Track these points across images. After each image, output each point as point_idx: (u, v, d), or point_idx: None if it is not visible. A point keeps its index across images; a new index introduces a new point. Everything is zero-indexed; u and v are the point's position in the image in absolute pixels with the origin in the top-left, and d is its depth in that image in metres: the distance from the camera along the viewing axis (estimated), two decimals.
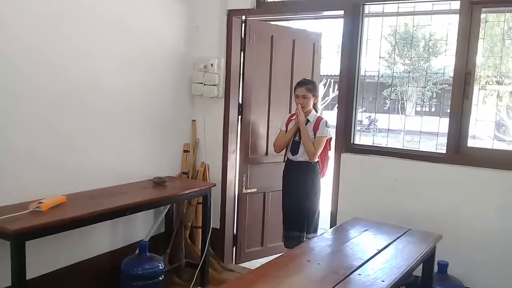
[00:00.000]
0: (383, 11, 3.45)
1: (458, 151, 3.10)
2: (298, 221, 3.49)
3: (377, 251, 2.26)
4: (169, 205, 3.67)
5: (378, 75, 3.56)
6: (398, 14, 3.50)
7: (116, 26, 3.23)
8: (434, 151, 3.25)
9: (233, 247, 4.10)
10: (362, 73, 3.48)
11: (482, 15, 3.02)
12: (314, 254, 2.21)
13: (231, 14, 3.84)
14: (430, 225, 2.93)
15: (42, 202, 2.54)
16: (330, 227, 3.49)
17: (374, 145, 3.48)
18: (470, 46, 3.02)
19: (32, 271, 2.62)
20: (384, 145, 3.46)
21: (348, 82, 3.46)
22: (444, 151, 3.15)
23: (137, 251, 3.22)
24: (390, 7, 3.46)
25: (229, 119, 3.92)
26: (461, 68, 3.05)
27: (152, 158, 3.65)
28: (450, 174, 3.05)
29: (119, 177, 3.35)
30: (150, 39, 3.55)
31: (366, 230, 2.63)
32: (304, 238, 3.47)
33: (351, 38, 3.43)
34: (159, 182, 3.43)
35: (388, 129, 3.49)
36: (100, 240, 3.29)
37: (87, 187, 3.08)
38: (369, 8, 3.44)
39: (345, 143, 3.49)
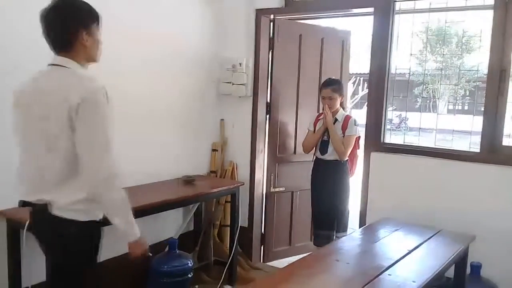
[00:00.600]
0: (414, 7, 3.38)
1: (493, 150, 3.01)
2: (327, 220, 3.47)
3: (407, 251, 2.23)
4: (198, 204, 3.72)
5: (409, 73, 3.50)
6: (430, 10, 3.43)
7: (144, 30, 3.26)
8: (468, 150, 3.16)
9: (261, 245, 4.11)
10: (392, 71, 3.42)
11: None
12: (343, 253, 2.20)
13: (260, 13, 3.84)
14: (462, 226, 2.87)
15: None
16: (359, 227, 3.46)
17: (405, 144, 3.42)
18: (505, 42, 2.93)
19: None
20: (415, 144, 3.39)
21: (378, 80, 3.41)
22: (478, 150, 3.07)
23: (166, 249, 3.26)
24: (421, 3, 3.39)
25: (257, 118, 3.93)
26: (496, 65, 2.96)
27: (181, 157, 3.70)
28: (484, 174, 2.97)
29: (149, 176, 3.39)
30: (178, 41, 3.59)
31: (396, 230, 2.59)
32: (334, 236, 3.44)
33: (381, 35, 3.37)
34: (188, 181, 3.47)
35: (420, 128, 3.42)
36: None
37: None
38: (400, 5, 3.38)
39: (375, 142, 3.44)
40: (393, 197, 3.29)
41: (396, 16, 3.39)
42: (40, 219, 1.80)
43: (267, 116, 3.99)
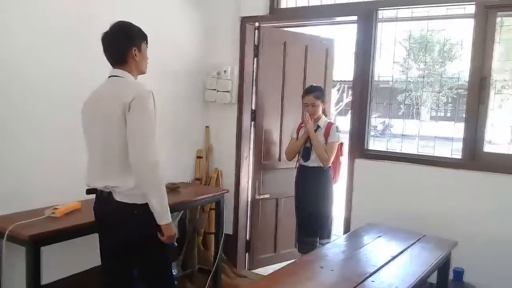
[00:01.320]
0: (396, 16, 3.43)
1: (474, 157, 3.05)
2: (311, 227, 3.47)
3: (391, 257, 2.24)
4: (182, 211, 3.68)
5: (392, 80, 3.54)
6: (412, 19, 3.48)
7: None
8: (450, 156, 3.20)
9: (246, 253, 4.09)
10: (376, 78, 3.46)
11: (498, 19, 2.98)
12: (327, 260, 2.20)
13: (245, 21, 3.86)
14: (445, 231, 2.89)
15: (57, 208, 2.56)
16: (344, 233, 3.48)
17: (388, 150, 3.45)
18: (486, 50, 2.99)
19: (48, 277, 2.64)
20: (398, 151, 3.43)
21: (362, 87, 3.44)
22: (460, 157, 3.11)
23: None
24: (404, 12, 3.44)
25: (242, 125, 3.93)
26: (477, 73, 3.01)
27: (166, 164, 3.64)
28: (466, 180, 3.01)
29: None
30: (165, 48, 3.57)
31: (379, 236, 2.60)
32: (318, 243, 3.44)
33: (364, 43, 3.41)
34: (172, 188, 3.44)
35: (403, 135, 3.46)
36: None
37: None
38: (382, 14, 3.42)
39: (359, 148, 3.47)
40: (377, 203, 3.31)
41: (379, 24, 3.43)
42: (107, 204, 2.08)
43: (252, 123, 3.99)
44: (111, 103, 2.01)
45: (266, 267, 4.11)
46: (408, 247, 2.43)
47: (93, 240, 2.99)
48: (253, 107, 3.98)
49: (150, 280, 2.18)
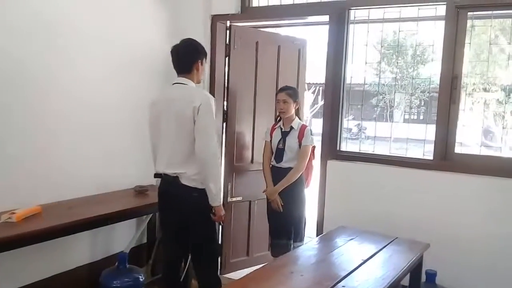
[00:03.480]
0: (368, 17, 3.40)
1: (446, 158, 3.05)
2: (284, 229, 3.39)
3: (362, 261, 2.19)
4: (151, 215, 3.56)
5: (364, 83, 3.51)
6: (384, 20, 3.46)
7: (97, 35, 3.19)
8: (421, 157, 3.19)
9: (218, 257, 3.98)
10: (348, 80, 3.44)
11: (469, 22, 2.99)
12: (298, 264, 2.13)
13: (215, 19, 3.78)
14: (417, 233, 2.88)
15: (14, 213, 2.44)
16: (317, 236, 3.43)
17: (360, 152, 3.42)
18: (457, 50, 2.99)
19: (5, 286, 2.51)
20: (370, 152, 3.40)
21: (333, 88, 3.41)
22: (431, 158, 3.10)
23: (116, 263, 3.11)
24: (376, 14, 3.42)
25: None
26: (448, 73, 3.01)
27: (134, 167, 3.55)
28: (437, 181, 3.00)
29: (99, 186, 3.26)
30: (133, 46, 3.49)
31: (351, 239, 2.55)
32: (292, 246, 3.38)
33: (336, 44, 3.39)
34: (140, 191, 3.35)
35: (375, 136, 3.44)
36: (79, 252, 3.19)
37: (65, 197, 2.98)
38: (354, 14, 3.39)
39: (331, 150, 3.43)
40: (350, 205, 3.28)
41: (351, 26, 3.40)
42: (172, 186, 2.54)
43: (224, 124, 3.91)
44: (183, 106, 2.46)
45: (239, 271, 4.00)
46: (380, 250, 2.38)
47: (55, 246, 2.89)
48: (225, 108, 3.89)
49: (201, 246, 2.63)
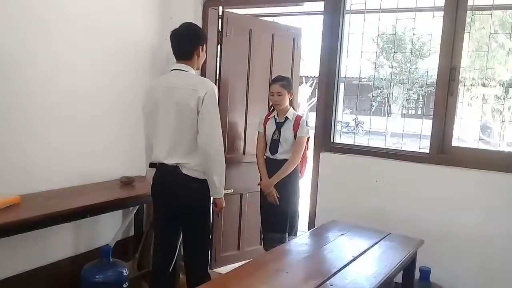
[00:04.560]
0: (365, 7, 3.29)
1: (442, 151, 2.94)
2: (279, 222, 3.30)
3: (353, 257, 2.08)
4: (138, 207, 3.45)
5: (359, 77, 3.40)
6: (381, 10, 3.34)
7: (84, 23, 3.09)
8: (418, 150, 3.09)
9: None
10: (343, 70, 3.33)
11: (468, 13, 2.87)
12: (285, 261, 2.02)
13: (207, 5, 3.65)
14: (411, 228, 2.79)
15: None
16: (308, 229, 3.34)
17: (354, 144, 3.31)
18: (455, 41, 2.87)
19: None
20: (365, 144, 3.29)
21: (328, 78, 3.31)
22: (428, 151, 2.99)
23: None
24: (372, 3, 3.30)
25: None
26: (446, 64, 2.90)
27: (120, 157, 3.44)
28: (434, 175, 2.90)
29: (83, 177, 3.15)
30: (121, 34, 3.38)
31: (343, 234, 2.44)
32: (287, 239, 3.29)
33: (331, 34, 3.27)
34: (127, 182, 3.24)
35: (373, 131, 3.33)
36: (61, 244, 3.08)
37: (46, 187, 2.87)
38: (351, 2, 3.27)
39: (325, 141, 3.32)
40: (343, 198, 3.18)
41: (347, 16, 3.28)
42: (171, 176, 2.45)
43: None
44: (185, 95, 2.37)
45: (230, 265, 3.91)
46: (372, 246, 2.27)
47: (36, 238, 2.78)
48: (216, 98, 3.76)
49: (196, 238, 2.58)
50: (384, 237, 2.43)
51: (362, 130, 10.95)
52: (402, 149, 3.18)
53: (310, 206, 3.39)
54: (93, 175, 3.21)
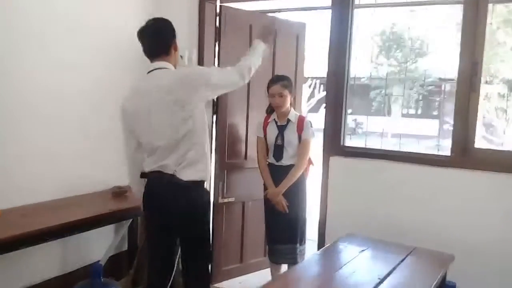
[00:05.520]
0: (375, 1, 3.05)
1: (465, 153, 2.68)
2: (289, 232, 3.06)
3: (379, 280, 1.80)
4: (131, 220, 3.18)
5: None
6: (392, 4, 3.09)
7: (71, 18, 2.88)
8: (437, 153, 2.84)
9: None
10: (352, 69, 3.09)
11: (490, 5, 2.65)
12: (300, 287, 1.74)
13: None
14: (433, 238, 2.56)
15: None
16: (318, 238, 3.13)
17: (367, 147, 3.06)
18: (477, 34, 2.63)
19: None
20: (378, 147, 3.04)
21: (337, 78, 3.07)
22: (449, 153, 2.74)
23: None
24: None
25: None
26: (467, 58, 2.65)
27: (111, 165, 3.16)
28: (457, 180, 2.64)
29: (71, 188, 2.90)
30: (111, 31, 3.15)
31: (363, 250, 2.16)
32: (298, 250, 3.06)
33: (340, 30, 3.03)
34: (119, 192, 2.98)
35: (366, 130, 3.09)
36: (47, 262, 2.83)
37: (27, 201, 2.62)
38: None
39: (334, 145, 3.07)
40: (356, 206, 2.94)
41: (356, 11, 3.05)
42: (165, 184, 2.19)
43: (214, 116, 3.52)
44: (185, 90, 2.13)
45: (232, 279, 3.66)
46: (398, 264, 1.99)
47: (16, 257, 2.51)
48: (215, 99, 3.50)
49: (195, 252, 2.32)
50: (410, 253, 2.15)
51: (362, 131, 10.73)
52: (419, 151, 2.93)
53: (320, 214, 3.13)
54: (80, 185, 2.97)
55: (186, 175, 2.17)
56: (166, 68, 2.24)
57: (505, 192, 2.51)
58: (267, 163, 3.14)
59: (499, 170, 2.55)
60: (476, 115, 2.68)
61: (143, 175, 2.32)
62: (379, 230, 2.70)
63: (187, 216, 2.24)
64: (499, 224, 2.50)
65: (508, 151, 2.74)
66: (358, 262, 2.02)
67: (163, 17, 2.32)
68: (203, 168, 2.23)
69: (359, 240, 2.33)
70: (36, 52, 2.66)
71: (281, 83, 3.02)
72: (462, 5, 2.70)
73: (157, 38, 2.25)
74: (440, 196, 2.67)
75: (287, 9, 4.18)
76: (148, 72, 2.24)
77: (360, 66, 3.24)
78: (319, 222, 3.14)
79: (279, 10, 4.11)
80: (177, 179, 2.17)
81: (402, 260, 2.04)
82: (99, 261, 2.96)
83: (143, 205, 2.36)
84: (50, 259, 2.84)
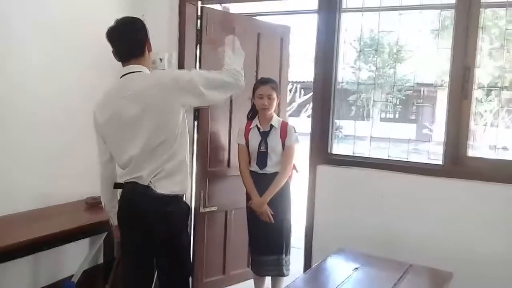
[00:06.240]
0: (363, 5, 2.96)
1: (457, 162, 2.60)
2: (276, 243, 2.96)
3: None
4: (106, 233, 3.00)
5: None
6: (380, 9, 3.01)
7: (47, 18, 2.76)
8: (428, 162, 2.76)
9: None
10: (339, 74, 3.00)
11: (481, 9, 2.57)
12: None
13: (184, 0, 3.25)
14: (425, 251, 2.48)
15: None
16: (305, 251, 3.01)
17: (355, 155, 2.96)
18: (468, 39, 2.55)
19: None
20: (367, 155, 2.94)
21: (324, 83, 2.97)
22: (440, 162, 2.66)
23: None
24: (371, 2, 2.97)
25: None
26: (459, 64, 2.58)
27: (86, 174, 2.98)
28: (450, 190, 2.55)
29: (41, 199, 2.73)
30: (88, 31, 2.99)
31: (356, 269, 2.03)
32: (284, 261, 2.97)
33: (326, 35, 2.93)
34: (93, 204, 2.80)
35: (354, 136, 3.03)
36: (15, 278, 2.64)
37: None
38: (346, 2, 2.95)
39: (322, 153, 2.96)
40: (344, 217, 2.83)
41: (343, 15, 2.96)
42: (144, 197, 2.01)
43: (195, 122, 3.39)
44: (164, 92, 1.98)
45: None
46: (395, 284, 1.87)
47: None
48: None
49: (172, 265, 2.15)
50: (406, 270, 2.03)
51: (342, 136, 10.70)
52: (410, 160, 2.84)
53: (306, 225, 3.02)
54: (53, 196, 2.78)
55: (162, 187, 2.01)
56: (141, 72, 2.06)
57: (504, 203, 2.42)
58: (250, 171, 3.01)
59: (493, 179, 2.47)
60: (469, 123, 2.61)
61: (116, 185, 2.16)
62: (369, 242, 2.60)
63: (161, 235, 2.06)
64: (497, 237, 2.42)
65: (503, 160, 2.68)
66: (352, 283, 1.88)
67: (139, 17, 2.18)
68: (181, 180, 2.07)
69: (351, 256, 2.20)
70: (13, 54, 2.55)
71: (271, 84, 2.96)
72: (454, 10, 2.63)
73: (128, 39, 2.07)
74: (432, 206, 2.58)
75: (273, 12, 4.08)
76: (121, 77, 2.06)
77: (340, 71, 3.14)
78: (306, 234, 3.02)
79: (264, 14, 3.99)
80: (152, 191, 1.99)
81: (399, 279, 1.92)
82: (72, 275, 2.77)
83: (118, 222, 2.18)
84: (19, 273, 2.67)
